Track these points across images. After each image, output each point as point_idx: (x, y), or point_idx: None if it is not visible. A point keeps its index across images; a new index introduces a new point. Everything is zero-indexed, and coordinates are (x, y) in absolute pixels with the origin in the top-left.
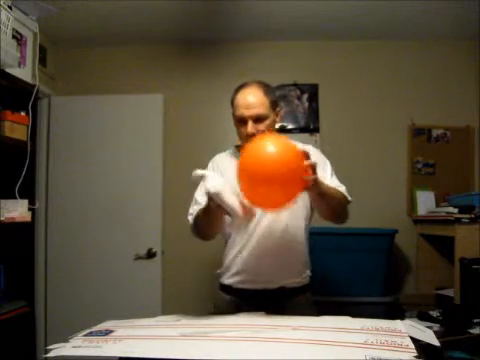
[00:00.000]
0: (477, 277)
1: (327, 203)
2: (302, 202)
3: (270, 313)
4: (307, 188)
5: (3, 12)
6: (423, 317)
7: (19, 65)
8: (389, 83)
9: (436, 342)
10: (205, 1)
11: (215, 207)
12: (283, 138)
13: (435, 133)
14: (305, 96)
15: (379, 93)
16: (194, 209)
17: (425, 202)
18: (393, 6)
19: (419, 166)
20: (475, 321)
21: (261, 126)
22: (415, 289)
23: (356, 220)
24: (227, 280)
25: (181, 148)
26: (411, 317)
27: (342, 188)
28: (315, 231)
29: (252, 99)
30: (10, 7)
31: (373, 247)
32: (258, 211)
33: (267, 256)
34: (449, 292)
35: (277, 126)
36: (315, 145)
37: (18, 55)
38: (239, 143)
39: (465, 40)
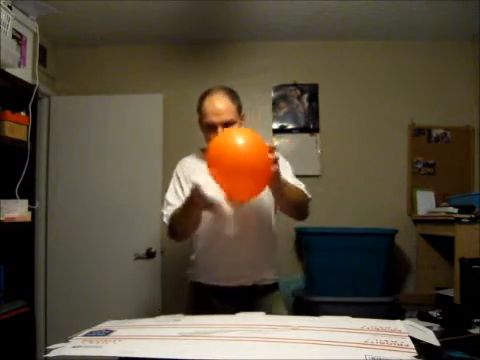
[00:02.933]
0: (477, 277)
1: (288, 198)
2: (269, 199)
3: (243, 310)
4: (271, 179)
5: (3, 12)
6: (423, 317)
7: (19, 65)
8: (389, 83)
9: (436, 342)
10: (205, 1)
11: (197, 198)
12: (249, 130)
13: (435, 133)
14: (305, 96)
15: (379, 93)
16: (168, 210)
17: (425, 202)
18: (393, 6)
19: (419, 166)
20: (475, 321)
21: None
22: (415, 289)
23: (356, 220)
24: (199, 279)
25: (181, 148)
26: (411, 317)
27: (302, 186)
28: (315, 231)
29: (221, 106)
30: (10, 7)
31: (373, 247)
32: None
33: (238, 252)
34: (449, 292)
35: (276, 126)
36: (315, 145)
37: (18, 55)
38: (205, 147)
39: (465, 40)
